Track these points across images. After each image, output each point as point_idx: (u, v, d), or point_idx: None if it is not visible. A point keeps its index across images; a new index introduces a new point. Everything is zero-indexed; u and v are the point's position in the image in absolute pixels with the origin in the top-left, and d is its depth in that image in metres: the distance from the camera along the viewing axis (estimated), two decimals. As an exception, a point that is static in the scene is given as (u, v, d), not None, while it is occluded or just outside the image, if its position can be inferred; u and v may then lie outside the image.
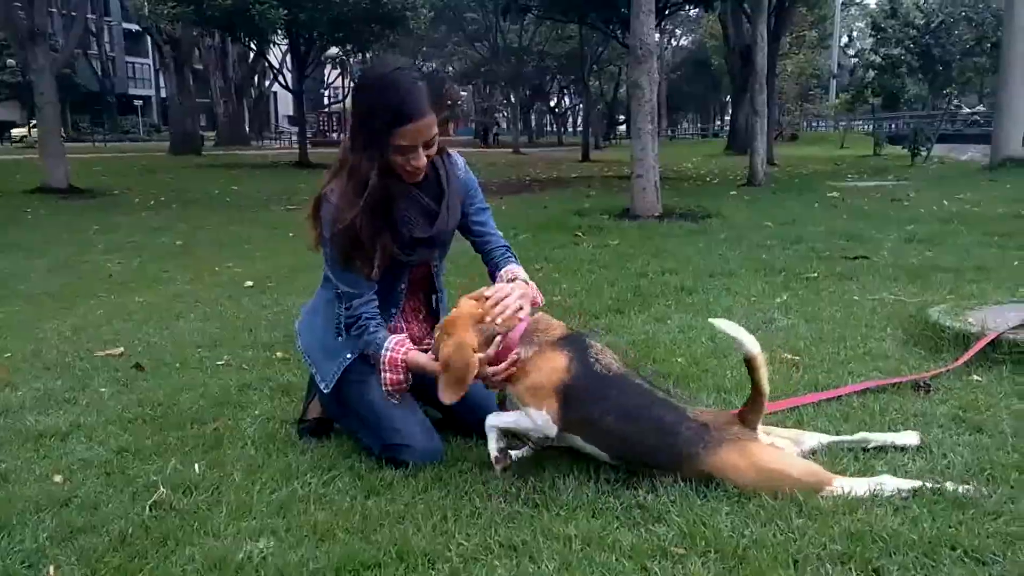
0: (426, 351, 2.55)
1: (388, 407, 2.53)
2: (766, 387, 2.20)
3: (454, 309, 2.42)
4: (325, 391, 2.61)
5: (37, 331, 4.49)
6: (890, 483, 2.11)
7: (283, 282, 5.94)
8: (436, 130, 2.41)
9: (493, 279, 2.76)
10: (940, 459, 2.34)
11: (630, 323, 4.23)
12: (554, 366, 2.30)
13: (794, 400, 2.86)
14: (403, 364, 2.46)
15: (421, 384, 2.61)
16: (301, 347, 2.76)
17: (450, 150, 2.70)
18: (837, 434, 2.51)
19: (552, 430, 2.30)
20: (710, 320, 2.31)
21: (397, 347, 2.48)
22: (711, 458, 2.17)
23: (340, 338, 2.57)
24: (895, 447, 2.42)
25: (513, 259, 2.78)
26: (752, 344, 2.18)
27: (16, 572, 1.91)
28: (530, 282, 2.64)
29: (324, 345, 2.64)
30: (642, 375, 2.48)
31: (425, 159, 2.43)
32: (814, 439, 2.43)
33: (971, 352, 3.20)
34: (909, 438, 2.45)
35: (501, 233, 2.85)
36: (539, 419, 2.29)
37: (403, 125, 2.31)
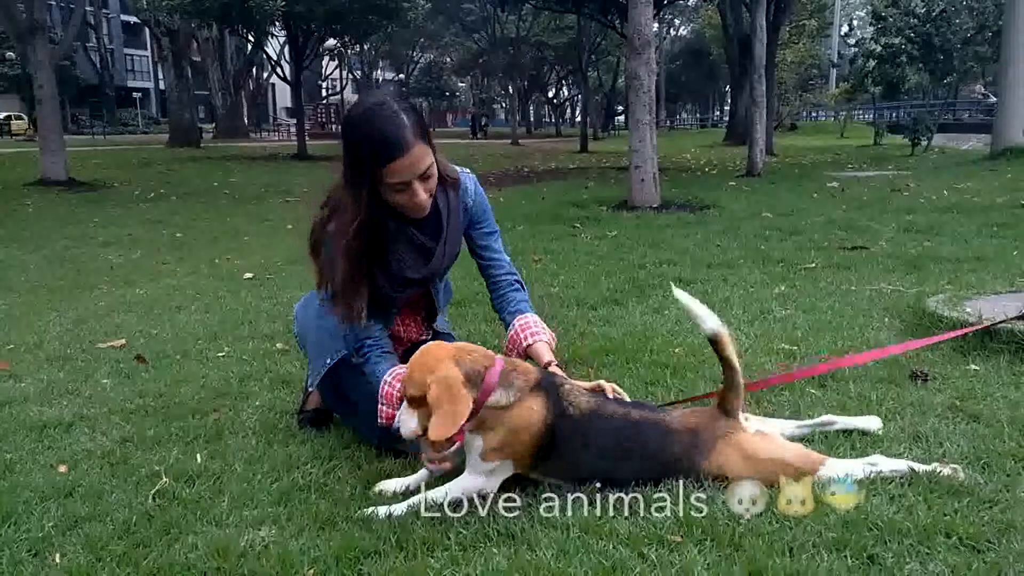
0: (414, 340, 2.58)
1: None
2: (735, 362, 2.16)
3: (421, 349, 2.15)
4: (309, 388, 2.61)
5: (38, 323, 4.50)
6: (883, 463, 2.14)
7: (282, 274, 5.96)
8: (430, 160, 2.29)
9: (499, 311, 2.71)
10: (936, 448, 2.36)
11: (628, 314, 4.25)
12: (532, 418, 2.11)
13: (835, 363, 2.95)
14: (398, 398, 2.27)
15: None
16: (296, 332, 2.78)
17: (460, 173, 2.61)
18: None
19: (495, 484, 2.14)
20: (671, 286, 2.25)
21: (394, 381, 2.37)
22: (706, 463, 2.14)
23: (340, 353, 2.53)
24: (858, 431, 2.48)
25: (524, 297, 2.70)
26: (713, 321, 2.12)
27: (22, 560, 1.93)
28: (546, 328, 2.62)
29: (318, 338, 2.63)
30: (609, 397, 2.32)
31: (425, 194, 2.33)
32: (779, 426, 2.41)
33: (965, 330, 3.22)
34: (871, 422, 2.50)
35: (510, 259, 2.76)
36: (486, 479, 2.13)
37: (390, 163, 2.22)
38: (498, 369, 2.11)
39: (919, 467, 2.13)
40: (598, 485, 2.13)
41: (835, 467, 2.10)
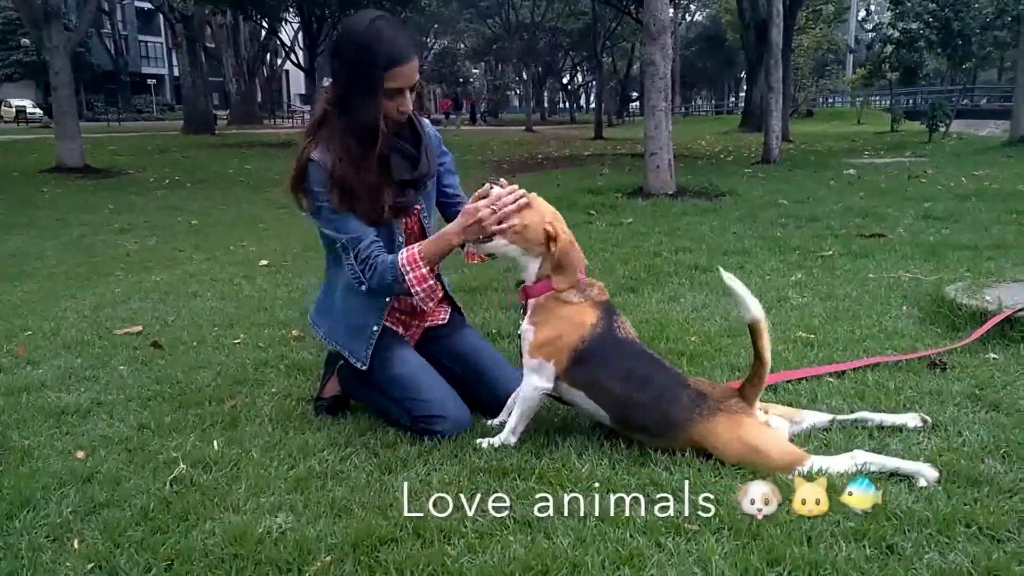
0: (431, 314, 2.77)
1: (415, 380, 2.57)
2: (767, 357, 2.24)
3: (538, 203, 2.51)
4: (363, 368, 2.62)
5: (55, 309, 4.53)
6: (861, 457, 2.12)
7: (297, 260, 5.97)
8: (417, 75, 2.50)
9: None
10: (955, 437, 2.35)
11: (644, 302, 4.24)
12: (581, 322, 2.36)
13: (827, 367, 2.91)
14: (422, 256, 2.45)
15: (433, 361, 2.67)
16: (323, 336, 2.76)
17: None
18: (851, 412, 2.52)
19: (549, 383, 2.39)
20: (719, 270, 2.33)
21: (409, 249, 2.49)
22: (702, 426, 2.23)
23: (363, 287, 2.53)
24: (895, 427, 2.42)
25: None
26: (756, 308, 2.21)
27: (41, 546, 1.94)
28: None
29: (348, 325, 2.66)
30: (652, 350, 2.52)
31: (410, 105, 2.52)
32: (813, 418, 2.45)
33: (985, 327, 3.19)
34: (910, 419, 2.43)
35: None
36: (539, 377, 2.38)
37: (395, 67, 2.39)
38: (583, 278, 2.42)
39: (904, 465, 2.10)
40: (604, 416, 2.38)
41: (816, 464, 2.09)
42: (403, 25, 2.51)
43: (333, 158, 2.48)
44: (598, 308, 2.40)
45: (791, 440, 2.30)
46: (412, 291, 2.45)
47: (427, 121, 2.81)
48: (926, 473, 2.06)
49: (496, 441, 2.41)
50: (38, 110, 42.92)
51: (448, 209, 2.86)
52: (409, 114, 2.59)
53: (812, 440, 2.37)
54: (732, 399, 2.26)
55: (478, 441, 2.42)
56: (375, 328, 2.62)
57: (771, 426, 2.27)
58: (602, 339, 2.36)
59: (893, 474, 2.09)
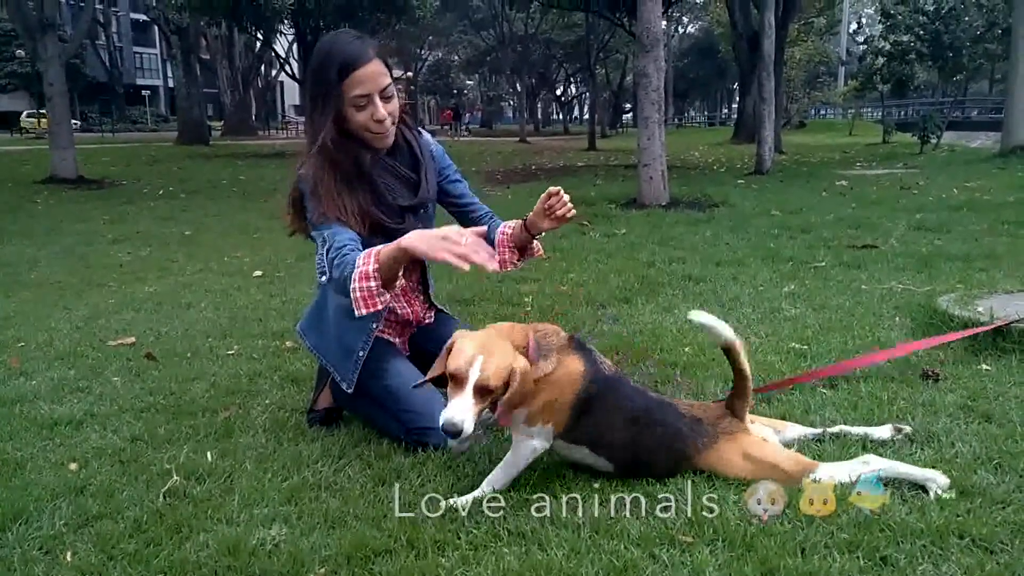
0: (420, 321, 2.76)
1: (408, 392, 2.55)
2: (748, 372, 2.24)
3: (475, 337, 2.10)
4: (348, 391, 2.62)
5: (49, 320, 4.52)
6: (874, 462, 2.12)
7: (291, 271, 5.97)
8: (389, 80, 2.43)
9: (491, 241, 2.74)
10: (948, 448, 2.35)
11: (637, 312, 4.24)
12: (572, 376, 2.16)
13: (829, 369, 2.92)
14: (376, 254, 2.25)
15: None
16: (311, 346, 2.77)
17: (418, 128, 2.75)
18: (838, 424, 2.54)
19: (548, 442, 2.20)
20: (689, 315, 2.24)
21: (365, 259, 2.27)
22: (708, 454, 2.20)
23: (323, 278, 2.43)
24: (872, 441, 2.42)
25: (500, 222, 2.80)
26: (727, 332, 2.20)
27: (34, 558, 1.94)
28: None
29: (338, 345, 2.66)
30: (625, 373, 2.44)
31: (386, 113, 2.44)
32: (795, 430, 2.45)
33: (977, 330, 3.21)
34: (883, 432, 2.44)
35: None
36: (538, 440, 2.17)
37: (351, 72, 2.34)
38: (533, 344, 2.14)
39: (915, 472, 2.10)
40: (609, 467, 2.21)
41: (826, 472, 2.09)
42: (365, 33, 2.49)
43: (312, 173, 2.47)
44: (573, 352, 2.19)
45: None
46: (351, 287, 2.25)
47: (427, 135, 2.79)
48: (937, 480, 2.06)
49: (467, 499, 2.12)
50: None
51: (464, 217, 2.84)
52: (403, 132, 2.57)
53: (807, 451, 2.37)
54: (725, 419, 2.25)
55: (449, 501, 2.10)
56: (361, 354, 2.60)
57: (765, 439, 2.27)
58: (596, 384, 2.18)
59: (902, 481, 2.09)
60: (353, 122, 2.44)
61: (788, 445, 2.35)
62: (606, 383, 2.21)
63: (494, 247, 2.69)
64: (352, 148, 2.47)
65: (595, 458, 2.23)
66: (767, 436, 2.30)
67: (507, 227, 2.71)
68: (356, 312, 2.27)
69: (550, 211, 2.51)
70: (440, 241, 2.11)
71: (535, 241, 2.70)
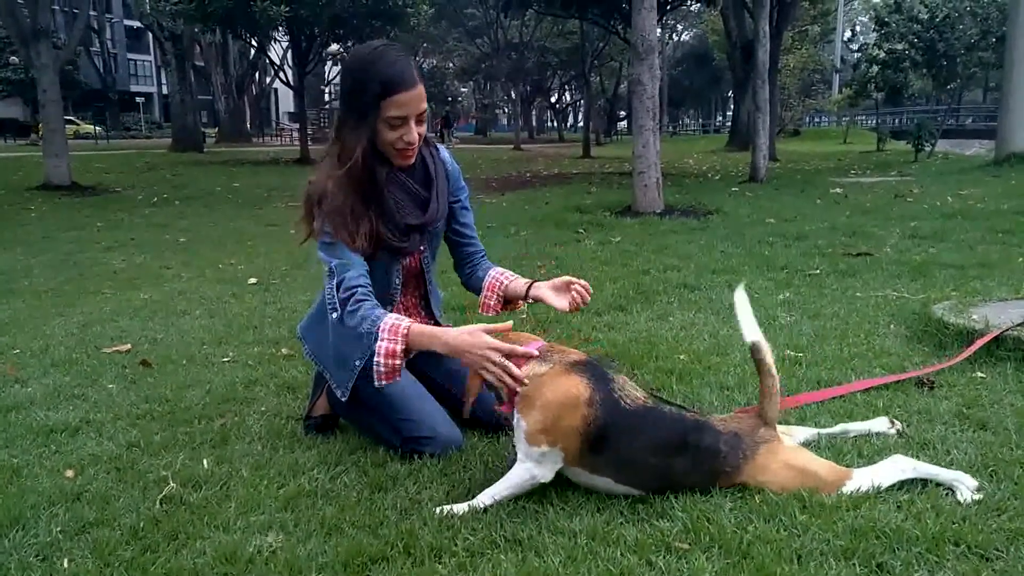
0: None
1: (404, 400, 2.54)
2: (773, 370, 2.20)
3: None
4: (343, 399, 2.62)
5: (43, 328, 4.51)
6: (902, 462, 2.14)
7: (286, 278, 5.97)
8: (425, 105, 2.42)
9: (471, 272, 2.81)
10: (944, 455, 2.36)
11: (633, 320, 4.25)
12: (570, 392, 2.11)
13: (802, 397, 2.88)
14: (405, 334, 2.24)
15: (425, 378, 2.67)
16: (308, 351, 2.76)
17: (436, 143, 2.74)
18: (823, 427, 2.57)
19: (551, 474, 2.15)
20: (735, 293, 2.30)
21: (399, 317, 2.30)
22: (748, 467, 2.14)
23: (335, 314, 2.38)
24: (872, 433, 2.50)
25: (493, 266, 2.82)
26: (750, 331, 2.21)
27: (31, 565, 1.93)
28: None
29: (335, 352, 2.63)
30: (665, 400, 2.35)
31: (416, 136, 2.42)
32: (802, 433, 2.46)
33: (973, 347, 3.21)
34: (880, 424, 2.53)
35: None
36: (539, 469, 2.14)
37: (395, 94, 2.31)
38: (535, 346, 2.23)
39: (944, 473, 2.13)
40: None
41: (866, 478, 2.10)
42: (409, 53, 2.45)
43: (323, 182, 2.43)
44: (580, 374, 2.15)
45: None
46: (375, 359, 2.24)
47: (445, 152, 2.75)
48: (965, 481, 2.08)
49: (463, 506, 2.13)
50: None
51: (457, 249, 2.83)
52: (420, 149, 2.54)
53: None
54: (760, 428, 2.19)
55: (440, 508, 2.12)
56: (357, 363, 2.56)
57: (796, 446, 2.27)
58: (609, 414, 2.10)
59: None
60: (382, 138, 2.40)
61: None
62: (625, 415, 2.12)
63: (482, 287, 2.74)
64: (372, 163, 2.44)
65: (623, 488, 2.16)
66: (794, 443, 2.30)
67: (506, 277, 2.71)
68: (376, 382, 2.26)
69: (567, 292, 2.56)
70: (483, 361, 2.13)
71: (521, 300, 2.71)
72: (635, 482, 2.15)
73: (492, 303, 2.72)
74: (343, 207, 2.40)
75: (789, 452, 2.19)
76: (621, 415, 2.12)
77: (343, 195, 2.40)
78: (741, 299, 2.25)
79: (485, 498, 2.14)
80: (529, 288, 2.63)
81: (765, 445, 2.17)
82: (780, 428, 2.38)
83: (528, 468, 2.14)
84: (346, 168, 2.39)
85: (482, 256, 2.85)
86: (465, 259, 2.84)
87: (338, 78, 2.45)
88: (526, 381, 2.12)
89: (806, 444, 2.42)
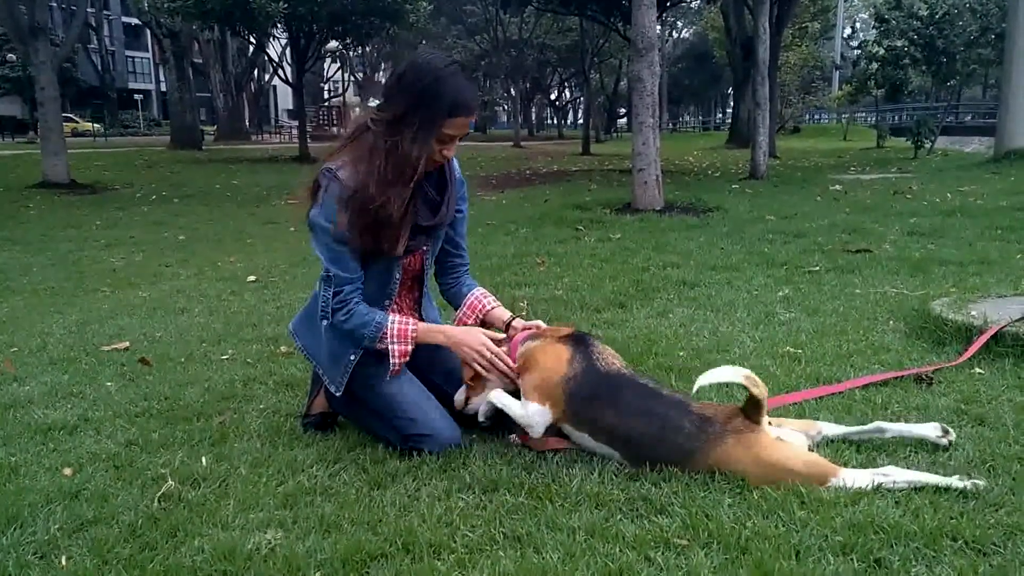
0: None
1: (402, 399, 2.55)
2: (764, 401, 2.18)
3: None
4: (337, 394, 2.62)
5: (42, 325, 4.51)
6: (896, 474, 2.12)
7: (285, 276, 5.97)
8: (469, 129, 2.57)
9: (451, 286, 2.86)
10: (942, 452, 2.36)
11: (632, 317, 4.25)
12: (558, 358, 2.42)
13: (796, 395, 2.87)
14: (413, 335, 2.54)
15: (425, 379, 2.68)
16: (301, 346, 2.76)
17: None
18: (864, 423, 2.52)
19: (539, 427, 2.42)
20: (698, 380, 2.24)
21: (403, 320, 2.55)
22: (714, 452, 2.19)
23: (325, 322, 2.54)
24: (914, 437, 2.41)
25: (476, 285, 2.89)
26: (734, 375, 2.21)
27: (29, 563, 1.93)
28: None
29: (329, 349, 2.64)
30: (644, 374, 2.56)
31: (453, 152, 2.55)
32: (828, 429, 2.44)
33: (974, 347, 3.21)
34: (927, 430, 2.41)
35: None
36: (534, 415, 2.41)
37: (460, 116, 2.42)
38: (523, 335, 2.57)
39: (938, 480, 2.10)
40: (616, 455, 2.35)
41: (849, 477, 2.10)
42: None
43: (361, 180, 2.41)
44: (566, 343, 2.46)
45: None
46: (391, 360, 2.53)
47: (455, 163, 2.77)
48: (958, 486, 2.07)
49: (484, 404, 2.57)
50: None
51: (447, 257, 2.84)
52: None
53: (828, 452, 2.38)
54: (736, 419, 2.22)
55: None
56: (352, 358, 2.59)
57: (785, 441, 2.25)
58: (586, 375, 2.39)
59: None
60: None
61: (821, 445, 2.39)
62: (600, 377, 2.38)
63: (462, 303, 2.82)
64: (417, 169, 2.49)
65: (598, 445, 2.38)
66: (792, 439, 2.28)
67: (489, 301, 2.81)
68: (392, 362, 2.55)
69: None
70: (475, 353, 2.50)
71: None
72: (606, 440, 2.36)
73: (470, 322, 2.77)
74: (382, 211, 2.41)
75: (766, 447, 2.18)
76: (597, 375, 2.39)
77: (387, 200, 2.41)
78: (705, 380, 2.23)
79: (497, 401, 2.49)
80: (508, 324, 2.73)
81: (736, 435, 2.19)
82: (798, 423, 2.42)
83: (530, 412, 2.42)
84: (400, 172, 2.41)
85: (466, 270, 2.90)
86: (451, 269, 2.86)
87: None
88: (513, 365, 2.50)
89: (831, 441, 2.42)
